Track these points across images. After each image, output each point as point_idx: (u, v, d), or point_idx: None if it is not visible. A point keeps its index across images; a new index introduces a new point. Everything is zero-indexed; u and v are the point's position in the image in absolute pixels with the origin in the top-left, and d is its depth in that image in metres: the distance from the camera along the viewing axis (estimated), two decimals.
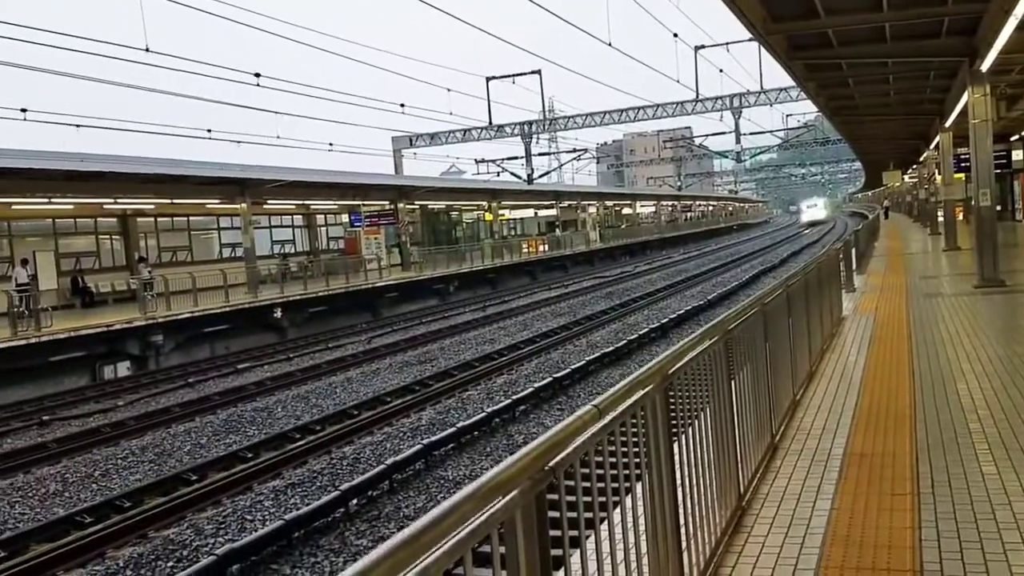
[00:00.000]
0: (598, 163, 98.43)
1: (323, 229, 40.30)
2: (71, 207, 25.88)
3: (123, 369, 20.74)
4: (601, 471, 2.54)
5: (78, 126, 25.99)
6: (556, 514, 2.44)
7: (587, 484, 2.48)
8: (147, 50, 21.89)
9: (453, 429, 11.37)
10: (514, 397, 13.11)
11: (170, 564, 7.84)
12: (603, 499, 2.54)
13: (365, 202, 37.15)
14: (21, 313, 19.59)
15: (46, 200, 24.02)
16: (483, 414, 12.17)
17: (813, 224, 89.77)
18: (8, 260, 24.75)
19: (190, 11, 21.03)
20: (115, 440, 13.25)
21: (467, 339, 21.78)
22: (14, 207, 24.08)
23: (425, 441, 10.81)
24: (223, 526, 8.75)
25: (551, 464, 2.14)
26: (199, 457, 11.84)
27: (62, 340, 19.12)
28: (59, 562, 8.02)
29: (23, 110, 24.00)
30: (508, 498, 1.94)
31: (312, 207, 37.30)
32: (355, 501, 9.02)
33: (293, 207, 36.32)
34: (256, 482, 10.26)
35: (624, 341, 17.96)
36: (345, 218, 39.29)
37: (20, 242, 25.79)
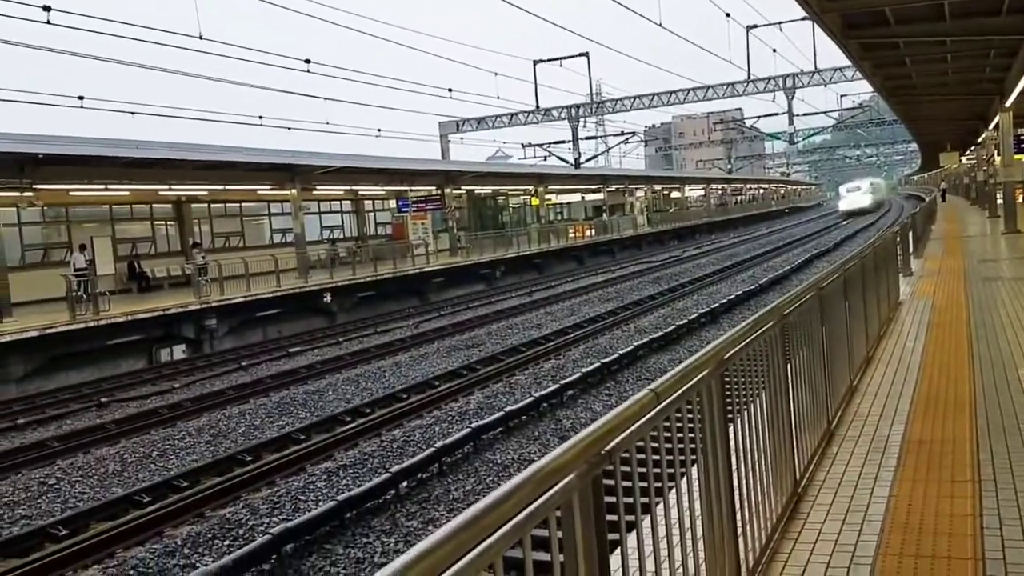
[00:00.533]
0: (646, 146, 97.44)
1: (371, 215, 40.61)
2: (127, 194, 26.41)
3: (179, 352, 21.18)
4: (657, 456, 2.53)
5: (133, 113, 26.49)
6: (611, 498, 2.43)
7: (643, 469, 2.47)
8: (200, 37, 22.19)
9: (501, 413, 11.41)
10: (562, 382, 13.10)
11: (226, 543, 8.00)
12: (659, 484, 2.52)
13: (412, 187, 37.34)
14: (80, 297, 20.05)
15: (103, 187, 24.56)
16: (531, 399, 12.19)
17: (853, 215, 67.77)
18: (67, 246, 25.39)
19: None
20: (172, 421, 13.55)
21: (514, 324, 21.81)
22: (72, 194, 24.65)
23: (473, 425, 10.87)
24: (277, 506, 8.91)
25: (608, 448, 2.14)
26: (253, 438, 12.05)
27: (120, 324, 19.59)
28: (118, 540, 8.23)
29: (80, 97, 24.49)
30: (565, 481, 1.94)
31: (360, 193, 37.60)
32: (405, 483, 9.11)
33: (342, 193, 36.66)
34: (309, 463, 10.42)
35: (673, 326, 17.84)
36: (393, 203, 39.53)
37: (78, 228, 26.42)
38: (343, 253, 32.60)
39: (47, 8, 18.33)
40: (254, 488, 9.62)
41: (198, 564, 7.46)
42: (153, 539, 8.33)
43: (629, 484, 2.39)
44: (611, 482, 2.45)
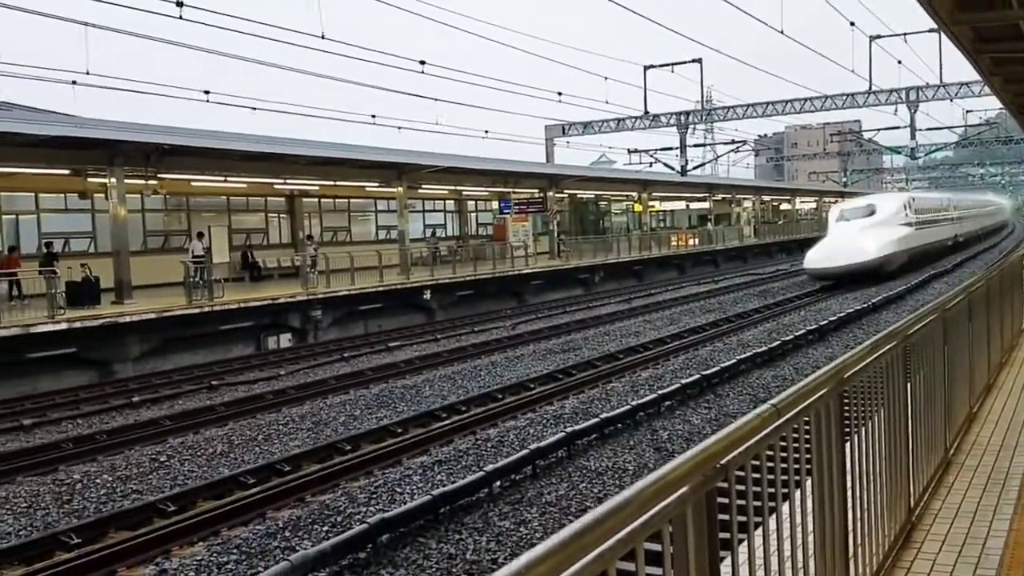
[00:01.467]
0: (756, 156, 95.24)
1: (473, 215, 41.04)
2: (244, 186, 27.44)
3: (285, 341, 21.89)
4: (771, 476, 2.47)
5: (254, 109, 27.53)
6: (724, 516, 2.39)
7: (757, 488, 2.41)
8: (323, 37, 22.79)
9: (596, 420, 11.30)
10: (660, 392, 12.91)
11: (325, 528, 8.21)
12: (772, 504, 2.46)
13: (515, 189, 37.55)
14: (196, 283, 20.92)
15: (222, 178, 25.57)
16: (627, 407, 12.03)
17: (834, 279, 29.73)
18: (186, 233, 26.54)
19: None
20: (277, 407, 14.00)
21: (611, 330, 21.66)
22: (193, 184, 25.75)
23: (568, 429, 10.81)
24: (374, 496, 9.08)
25: (724, 461, 2.10)
26: (352, 428, 12.34)
27: (232, 310, 20.38)
28: (224, 519, 8.54)
29: (206, 92, 25.55)
30: (679, 493, 1.92)
31: (464, 193, 38.05)
32: (499, 483, 9.14)
33: (446, 192, 37.16)
34: (405, 456, 10.60)
35: (778, 342, 17.34)
36: (495, 204, 39.84)
37: (197, 217, 27.60)
38: (444, 251, 33.07)
39: (180, 4, 19.12)
40: (352, 477, 9.84)
41: (297, 547, 7.67)
42: (256, 520, 8.61)
43: (743, 503, 2.35)
44: (724, 500, 2.40)
